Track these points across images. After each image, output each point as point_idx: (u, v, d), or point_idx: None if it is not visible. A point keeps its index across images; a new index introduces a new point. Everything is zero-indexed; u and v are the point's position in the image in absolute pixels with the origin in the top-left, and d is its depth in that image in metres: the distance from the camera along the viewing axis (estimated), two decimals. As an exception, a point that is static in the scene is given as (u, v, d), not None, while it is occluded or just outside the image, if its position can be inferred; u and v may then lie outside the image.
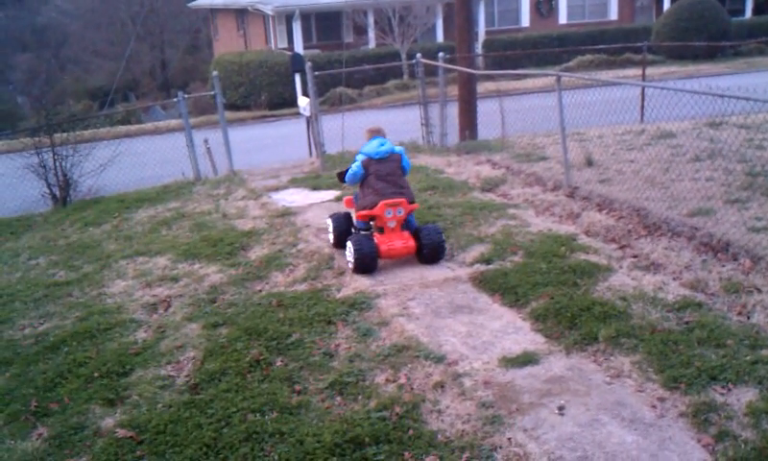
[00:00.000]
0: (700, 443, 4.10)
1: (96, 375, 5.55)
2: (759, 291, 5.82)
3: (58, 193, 11.66)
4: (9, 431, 4.93)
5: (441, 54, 12.93)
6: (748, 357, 4.84)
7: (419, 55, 13.41)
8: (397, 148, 7.34)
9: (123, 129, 19.69)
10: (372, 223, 7.21)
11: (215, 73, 12.81)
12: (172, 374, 5.51)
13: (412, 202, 7.25)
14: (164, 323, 6.40)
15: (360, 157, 7.23)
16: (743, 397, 4.45)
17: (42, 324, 6.67)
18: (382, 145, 7.22)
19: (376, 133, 7.46)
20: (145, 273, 7.67)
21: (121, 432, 4.75)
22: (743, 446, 4.00)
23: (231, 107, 25.40)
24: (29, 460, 4.60)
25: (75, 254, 8.73)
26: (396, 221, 7.07)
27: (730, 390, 4.53)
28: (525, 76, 21.10)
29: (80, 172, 11.83)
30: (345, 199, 7.84)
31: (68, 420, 4.97)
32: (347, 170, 7.40)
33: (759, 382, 4.56)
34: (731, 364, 4.77)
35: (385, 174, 7.10)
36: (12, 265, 8.59)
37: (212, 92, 12.71)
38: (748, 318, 5.45)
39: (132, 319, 6.55)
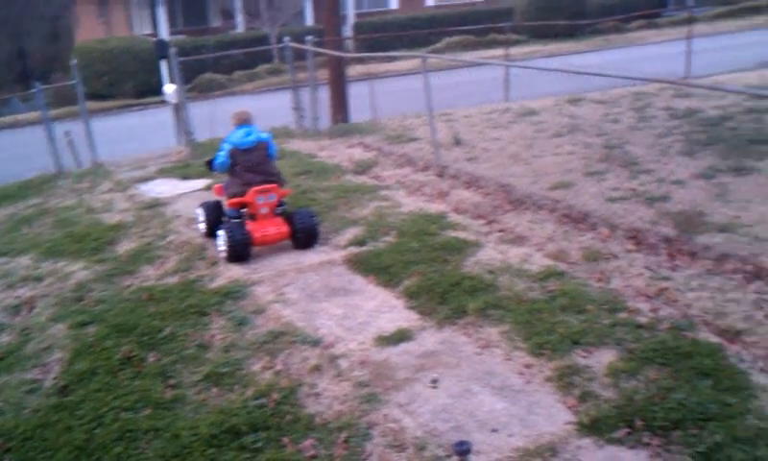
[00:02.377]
0: (565, 405, 4.30)
1: (-44, 383, 5.26)
2: (617, 257, 6.17)
3: None
4: None
5: (309, 37, 12.90)
6: (607, 321, 5.11)
7: (287, 39, 13.31)
8: (264, 135, 7.25)
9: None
10: (243, 210, 7.12)
11: (74, 61, 12.28)
12: (39, 377, 5.28)
13: (283, 187, 7.22)
14: (29, 325, 6.12)
15: (226, 147, 7.11)
16: (603, 358, 4.69)
17: None
18: (248, 134, 7.10)
19: (243, 119, 7.32)
20: (7, 274, 7.30)
21: (-15, 441, 4.53)
22: (604, 405, 4.22)
23: (95, 96, 24.39)
24: None
25: (-73, 258, 8.20)
26: (267, 207, 7.02)
27: (591, 353, 4.77)
28: (393, 58, 21.32)
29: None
30: (215, 187, 7.71)
31: (-73, 433, 4.69)
32: (215, 158, 7.28)
33: (618, 343, 4.82)
34: (591, 328, 5.02)
35: (253, 163, 7.02)
36: None
37: (72, 82, 12.18)
38: (607, 283, 5.75)
39: (-6, 323, 6.24)
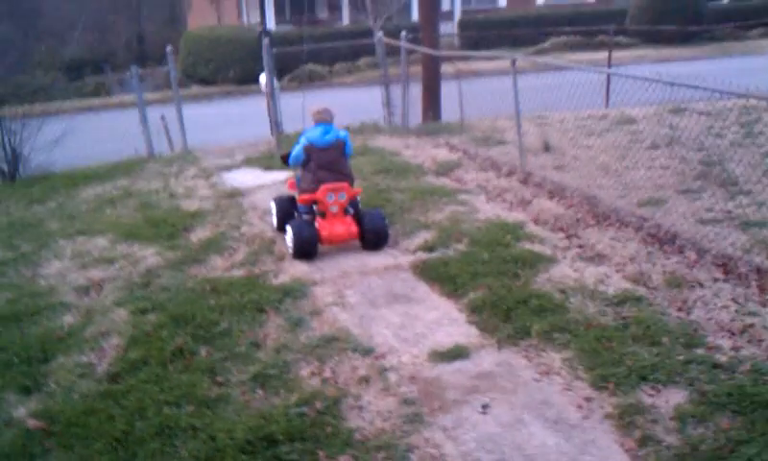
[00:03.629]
0: (623, 447, 3.95)
1: (16, 360, 5.32)
2: (702, 286, 5.69)
3: (6, 168, 11.34)
4: None
5: (403, 33, 12.68)
6: (682, 357, 4.68)
7: (380, 34, 13.15)
8: (342, 133, 7.09)
9: (85, 103, 19.30)
10: (314, 207, 7.00)
11: (168, 48, 12.47)
12: (93, 361, 5.29)
13: (354, 186, 7.07)
14: (93, 307, 6.17)
15: (303, 142, 6.99)
16: (672, 399, 4.29)
17: (-30, 306, 6.42)
18: (327, 133, 6.95)
19: (322, 116, 7.16)
20: (83, 253, 7.43)
21: (32, 423, 4.54)
22: (666, 451, 3.85)
23: (201, 81, 25.04)
24: (-70, 452, 4.38)
25: (15, 232, 8.46)
26: (338, 206, 6.87)
27: (659, 391, 4.37)
28: (484, 58, 20.73)
29: (30, 147, 11.51)
30: (288, 181, 7.63)
31: (-20, 409, 4.75)
32: (291, 151, 7.18)
33: (690, 384, 4.40)
34: (663, 363, 4.61)
35: (327, 162, 6.88)
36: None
37: (168, 68, 12.42)
38: (687, 314, 5.30)
39: (62, 302, 6.31)
